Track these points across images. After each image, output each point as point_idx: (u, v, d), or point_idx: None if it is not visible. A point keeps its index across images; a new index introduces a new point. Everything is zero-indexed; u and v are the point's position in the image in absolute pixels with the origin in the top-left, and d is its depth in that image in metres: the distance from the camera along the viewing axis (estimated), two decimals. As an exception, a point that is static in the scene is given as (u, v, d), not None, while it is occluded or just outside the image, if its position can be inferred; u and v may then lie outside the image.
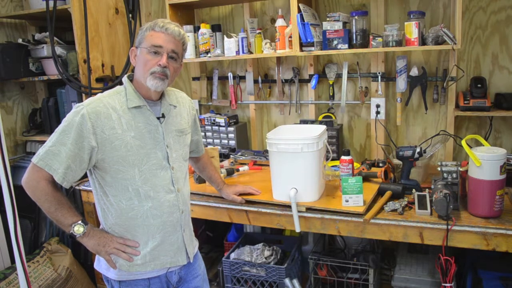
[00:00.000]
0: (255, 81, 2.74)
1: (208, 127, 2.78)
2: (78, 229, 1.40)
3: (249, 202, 1.96)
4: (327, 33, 2.19)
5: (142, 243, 1.47)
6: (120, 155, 1.39)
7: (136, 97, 1.44)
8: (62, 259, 2.63)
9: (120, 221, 1.45)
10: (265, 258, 2.22)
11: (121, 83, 1.49)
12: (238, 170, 2.34)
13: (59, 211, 1.38)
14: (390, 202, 1.81)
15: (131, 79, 1.49)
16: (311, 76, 2.57)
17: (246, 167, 2.38)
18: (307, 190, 1.84)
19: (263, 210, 1.91)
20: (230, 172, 2.27)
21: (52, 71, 2.66)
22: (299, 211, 1.81)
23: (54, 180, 1.35)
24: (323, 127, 1.96)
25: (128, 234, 1.47)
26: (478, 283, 1.90)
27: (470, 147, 1.71)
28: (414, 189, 1.89)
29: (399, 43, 2.08)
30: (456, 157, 2.34)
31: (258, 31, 2.49)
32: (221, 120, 2.72)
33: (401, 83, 2.29)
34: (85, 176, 1.47)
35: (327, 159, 2.00)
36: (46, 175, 1.34)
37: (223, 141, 2.75)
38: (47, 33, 2.55)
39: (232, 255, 2.28)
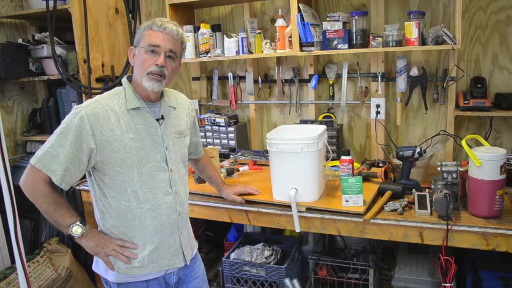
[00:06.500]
0: (255, 81, 2.74)
1: (208, 127, 2.78)
2: (76, 230, 1.39)
3: (249, 202, 1.95)
4: (327, 33, 2.19)
5: (140, 246, 1.46)
6: (119, 156, 1.39)
7: (135, 99, 1.43)
8: (62, 259, 2.63)
9: (118, 223, 1.45)
10: (265, 258, 2.22)
11: (120, 84, 1.49)
12: (238, 170, 2.34)
13: (57, 212, 1.37)
14: (390, 202, 1.81)
15: (130, 80, 1.48)
16: (311, 76, 2.57)
17: (246, 167, 2.38)
18: (307, 190, 1.84)
19: (263, 210, 1.91)
20: (230, 172, 2.27)
21: (52, 71, 2.66)
22: (299, 211, 1.81)
23: (52, 181, 1.34)
24: (323, 127, 1.96)
25: (126, 236, 1.46)
26: (478, 283, 1.90)
27: (470, 147, 1.71)
28: (414, 189, 1.89)
29: (399, 43, 2.08)
30: (456, 157, 2.34)
31: (258, 31, 2.49)
32: (221, 120, 2.72)
33: (401, 83, 2.29)
34: (85, 176, 1.47)
35: (327, 159, 2.00)
36: (44, 177, 1.33)
37: (223, 141, 2.75)
38: (47, 33, 2.55)
39: (232, 255, 2.28)
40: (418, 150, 1.91)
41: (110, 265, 1.44)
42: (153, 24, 1.40)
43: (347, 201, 1.79)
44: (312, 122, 2.55)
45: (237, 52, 2.49)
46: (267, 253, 2.24)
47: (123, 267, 1.45)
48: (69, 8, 2.48)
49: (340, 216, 1.78)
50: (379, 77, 2.38)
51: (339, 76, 2.51)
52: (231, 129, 2.71)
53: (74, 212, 1.42)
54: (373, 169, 2.19)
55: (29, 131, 3.00)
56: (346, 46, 2.16)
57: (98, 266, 1.53)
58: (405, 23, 2.04)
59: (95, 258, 1.52)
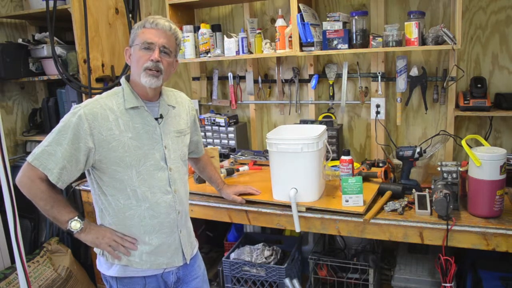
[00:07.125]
0: (255, 81, 2.74)
1: (208, 127, 2.78)
2: (75, 225, 1.40)
3: (249, 202, 1.95)
4: (327, 33, 2.19)
5: (139, 245, 1.47)
6: (117, 156, 1.39)
7: (133, 98, 1.44)
8: (62, 259, 2.63)
9: (117, 221, 1.45)
10: (265, 258, 2.22)
11: (120, 84, 1.49)
12: (238, 170, 2.34)
13: (55, 208, 1.38)
14: (390, 202, 1.81)
15: (129, 79, 1.49)
16: (311, 76, 2.57)
17: (246, 167, 2.38)
18: (307, 190, 1.84)
19: (263, 210, 1.91)
20: (230, 172, 2.27)
21: (52, 71, 2.66)
22: (299, 211, 1.81)
23: (49, 179, 1.35)
24: (323, 127, 1.96)
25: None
26: (478, 283, 1.90)
27: (470, 147, 1.71)
28: (414, 189, 1.88)
29: (399, 43, 2.08)
30: (456, 157, 2.34)
31: (258, 31, 2.48)
32: (221, 120, 2.72)
33: (401, 83, 2.29)
34: (84, 176, 1.47)
35: (327, 159, 2.00)
36: (40, 174, 1.34)
37: (223, 141, 2.75)
38: (47, 33, 2.55)
39: (232, 255, 2.28)
40: (418, 150, 1.91)
41: (115, 254, 1.45)
42: (146, 22, 1.42)
43: (347, 201, 1.79)
44: (312, 122, 2.55)
45: (237, 52, 2.49)
46: (267, 253, 2.24)
47: (124, 258, 1.46)
48: (69, 8, 2.48)
49: (340, 216, 1.78)
50: (379, 77, 2.38)
51: (339, 76, 2.51)
52: (231, 129, 2.71)
53: (72, 208, 1.42)
54: (373, 169, 2.19)
55: (29, 131, 3.00)
56: (346, 46, 2.16)
57: (100, 264, 1.53)
58: (405, 23, 2.04)
59: (98, 256, 1.52)
